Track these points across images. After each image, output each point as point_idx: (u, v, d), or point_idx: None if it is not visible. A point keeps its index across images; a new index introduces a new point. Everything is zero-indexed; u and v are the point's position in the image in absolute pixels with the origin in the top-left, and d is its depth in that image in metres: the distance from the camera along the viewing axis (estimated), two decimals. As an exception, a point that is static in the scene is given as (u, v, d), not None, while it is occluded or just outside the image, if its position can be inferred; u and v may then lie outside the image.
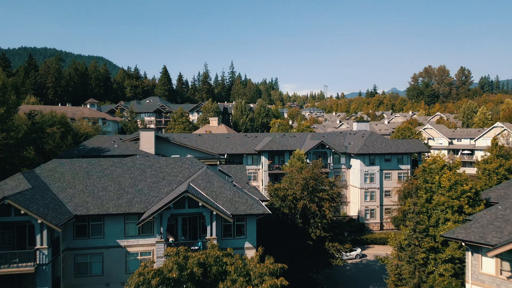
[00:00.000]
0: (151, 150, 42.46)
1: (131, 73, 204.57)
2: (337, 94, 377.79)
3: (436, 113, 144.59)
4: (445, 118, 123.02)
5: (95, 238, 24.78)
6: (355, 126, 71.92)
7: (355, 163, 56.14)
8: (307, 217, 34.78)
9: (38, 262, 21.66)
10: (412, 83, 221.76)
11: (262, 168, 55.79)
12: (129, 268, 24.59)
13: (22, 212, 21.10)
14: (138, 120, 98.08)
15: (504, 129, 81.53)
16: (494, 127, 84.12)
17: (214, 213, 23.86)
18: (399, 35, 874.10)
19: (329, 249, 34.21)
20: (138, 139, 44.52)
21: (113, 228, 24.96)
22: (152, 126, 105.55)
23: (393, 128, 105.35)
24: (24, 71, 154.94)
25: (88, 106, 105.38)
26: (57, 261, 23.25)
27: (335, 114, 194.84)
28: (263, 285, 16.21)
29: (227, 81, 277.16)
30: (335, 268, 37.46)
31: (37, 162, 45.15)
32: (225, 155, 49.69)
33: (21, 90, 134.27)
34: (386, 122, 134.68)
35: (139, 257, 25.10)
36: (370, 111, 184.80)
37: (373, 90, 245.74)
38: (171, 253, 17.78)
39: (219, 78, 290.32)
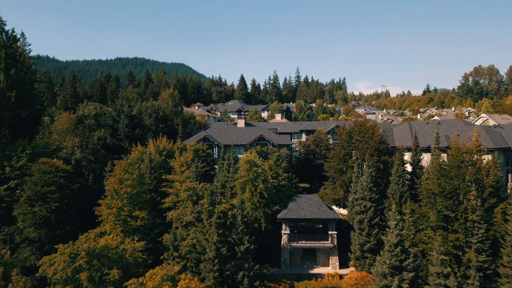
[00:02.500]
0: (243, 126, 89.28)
1: (216, 81, 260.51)
2: (403, 92, 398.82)
3: (467, 109, 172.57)
4: (466, 113, 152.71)
5: (231, 152, 71.36)
6: (368, 117, 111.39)
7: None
8: (314, 155, 77.94)
9: (214, 157, 68.92)
10: (463, 81, 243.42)
11: (302, 139, 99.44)
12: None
13: (210, 139, 68.43)
14: (229, 116, 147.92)
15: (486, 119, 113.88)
16: (480, 117, 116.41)
17: (271, 142, 68.95)
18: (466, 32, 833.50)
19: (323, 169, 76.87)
20: (236, 123, 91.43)
21: (236, 148, 71.22)
22: (242, 118, 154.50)
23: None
24: (144, 83, 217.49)
25: (196, 107, 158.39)
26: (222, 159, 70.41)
27: (385, 111, 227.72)
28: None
29: (293, 84, 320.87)
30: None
31: (188, 133, 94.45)
32: (278, 129, 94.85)
33: (143, 97, 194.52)
34: (419, 116, 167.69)
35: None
36: (416, 108, 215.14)
37: (425, 89, 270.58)
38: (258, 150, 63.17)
39: (287, 81, 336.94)
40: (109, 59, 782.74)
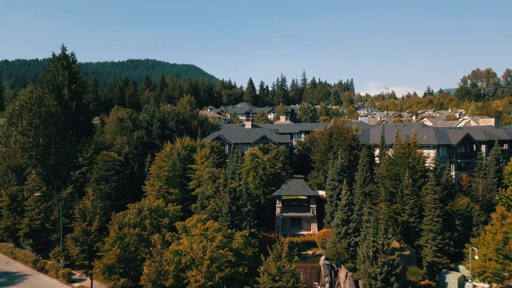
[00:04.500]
0: (249, 127, 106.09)
1: (226, 84, 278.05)
2: (408, 93, 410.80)
3: (460, 110, 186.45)
4: (457, 115, 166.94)
5: (239, 148, 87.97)
6: (360, 119, 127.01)
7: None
8: (309, 151, 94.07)
9: (226, 153, 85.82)
10: (461, 84, 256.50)
11: (301, 139, 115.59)
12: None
13: (222, 138, 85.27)
14: (238, 117, 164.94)
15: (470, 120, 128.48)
16: (463, 119, 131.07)
17: (272, 141, 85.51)
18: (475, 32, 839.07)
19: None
20: (244, 125, 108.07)
21: (243, 146, 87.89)
22: (250, 119, 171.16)
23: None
24: (159, 87, 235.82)
25: (208, 110, 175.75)
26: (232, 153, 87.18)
27: (386, 112, 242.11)
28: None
29: (300, 86, 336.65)
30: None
31: (202, 134, 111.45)
32: (279, 130, 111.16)
33: (159, 100, 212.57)
34: (414, 118, 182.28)
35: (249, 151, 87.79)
36: (415, 109, 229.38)
37: (426, 91, 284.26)
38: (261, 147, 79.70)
39: (295, 83, 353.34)
40: (121, 61, 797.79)
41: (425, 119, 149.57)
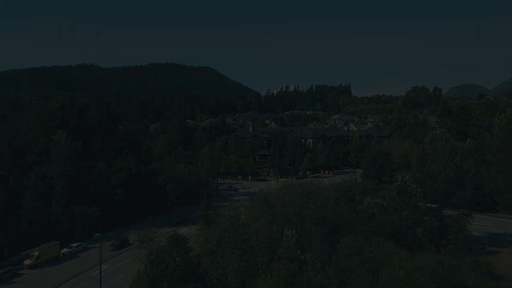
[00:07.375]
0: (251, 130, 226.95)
1: (240, 96, 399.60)
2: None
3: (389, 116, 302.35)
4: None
5: (244, 139, 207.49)
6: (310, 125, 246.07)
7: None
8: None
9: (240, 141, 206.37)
10: (405, 95, 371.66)
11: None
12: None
13: (238, 136, 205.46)
14: (247, 122, 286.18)
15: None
16: (367, 124, 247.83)
17: (259, 136, 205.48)
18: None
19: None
20: (248, 129, 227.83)
21: (247, 138, 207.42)
22: (251, 126, 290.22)
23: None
24: (195, 101, 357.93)
25: (229, 118, 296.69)
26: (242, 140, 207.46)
27: (349, 117, 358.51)
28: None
29: (297, 91, 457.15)
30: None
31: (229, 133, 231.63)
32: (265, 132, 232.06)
33: (196, 110, 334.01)
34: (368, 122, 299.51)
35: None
36: (365, 114, 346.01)
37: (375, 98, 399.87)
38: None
39: (296, 89, 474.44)
40: (143, 65, 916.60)
41: (351, 123, 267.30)
